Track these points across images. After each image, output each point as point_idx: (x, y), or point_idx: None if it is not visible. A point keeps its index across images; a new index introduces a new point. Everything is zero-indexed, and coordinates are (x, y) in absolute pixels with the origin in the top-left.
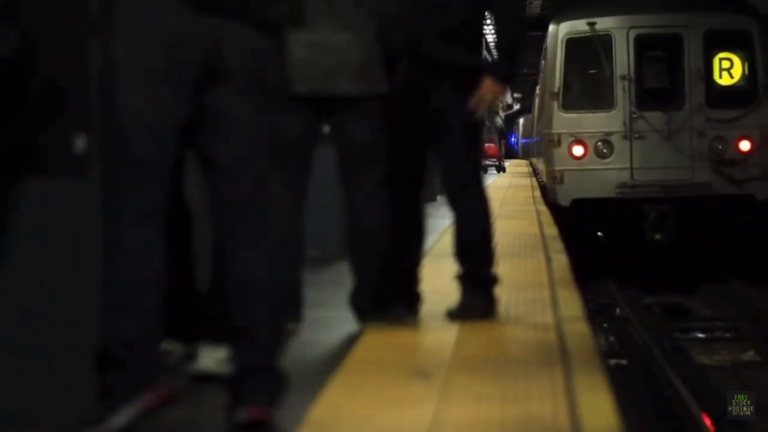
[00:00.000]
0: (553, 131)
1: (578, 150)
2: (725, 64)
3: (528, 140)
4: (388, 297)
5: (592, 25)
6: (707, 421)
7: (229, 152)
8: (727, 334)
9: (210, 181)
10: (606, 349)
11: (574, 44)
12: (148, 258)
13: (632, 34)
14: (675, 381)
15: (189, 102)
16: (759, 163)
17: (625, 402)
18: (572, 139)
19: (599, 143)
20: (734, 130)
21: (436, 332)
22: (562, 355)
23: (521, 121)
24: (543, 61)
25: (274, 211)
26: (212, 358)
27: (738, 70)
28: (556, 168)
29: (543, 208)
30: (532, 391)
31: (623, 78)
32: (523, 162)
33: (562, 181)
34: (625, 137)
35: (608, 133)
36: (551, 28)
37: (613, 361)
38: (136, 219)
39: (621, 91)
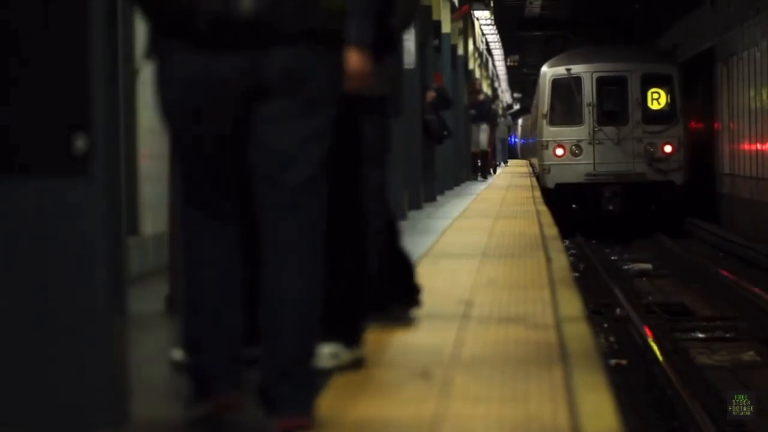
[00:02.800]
0: (543, 139)
1: (559, 151)
2: (655, 96)
3: (524, 142)
4: (388, 297)
5: (569, 70)
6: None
7: (266, 162)
8: (727, 334)
9: (252, 190)
10: (606, 349)
11: (557, 83)
12: (213, 260)
13: (594, 75)
14: (675, 381)
15: (231, 120)
16: (677, 160)
17: (625, 402)
18: (555, 144)
19: (573, 147)
20: (661, 139)
21: (436, 332)
22: (562, 355)
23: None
24: (537, 92)
25: (315, 221)
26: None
27: (663, 100)
28: (545, 163)
29: (543, 208)
30: (532, 391)
31: (588, 104)
32: (523, 162)
33: (549, 171)
34: (590, 143)
35: (579, 141)
36: (542, 71)
37: (613, 361)
38: (199, 225)
39: (587, 113)
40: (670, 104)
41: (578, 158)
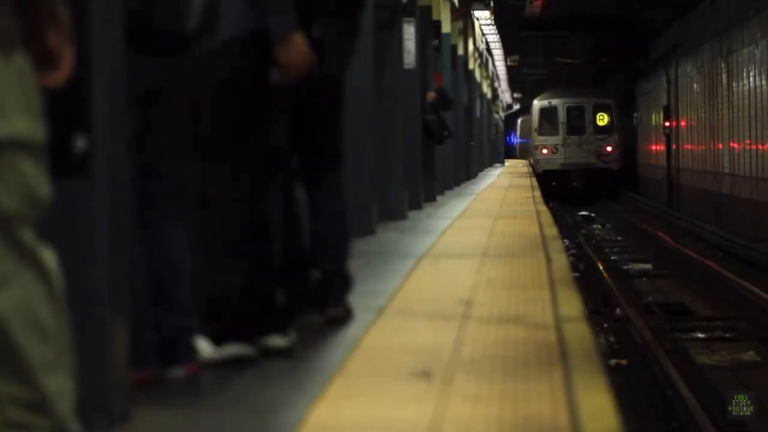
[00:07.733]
0: (534, 143)
1: (545, 150)
2: (601, 117)
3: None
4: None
5: (549, 102)
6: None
7: (152, 152)
8: (727, 334)
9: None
10: (606, 349)
11: (542, 110)
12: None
13: (565, 105)
14: (675, 381)
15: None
16: (614, 156)
17: (625, 402)
18: (542, 146)
19: (553, 148)
20: (605, 143)
21: (436, 332)
22: (562, 355)
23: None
24: (530, 115)
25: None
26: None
27: (606, 119)
28: (536, 158)
29: (543, 208)
30: (532, 391)
31: (562, 122)
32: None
33: (538, 163)
34: (563, 146)
35: (556, 144)
36: (534, 103)
37: (613, 361)
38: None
39: (561, 128)
40: (610, 122)
41: (556, 155)
